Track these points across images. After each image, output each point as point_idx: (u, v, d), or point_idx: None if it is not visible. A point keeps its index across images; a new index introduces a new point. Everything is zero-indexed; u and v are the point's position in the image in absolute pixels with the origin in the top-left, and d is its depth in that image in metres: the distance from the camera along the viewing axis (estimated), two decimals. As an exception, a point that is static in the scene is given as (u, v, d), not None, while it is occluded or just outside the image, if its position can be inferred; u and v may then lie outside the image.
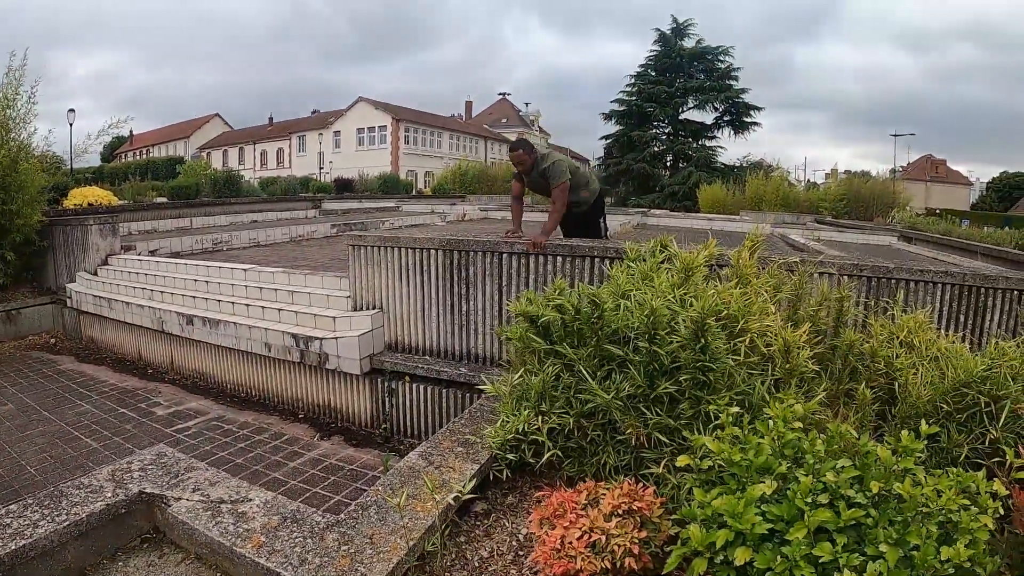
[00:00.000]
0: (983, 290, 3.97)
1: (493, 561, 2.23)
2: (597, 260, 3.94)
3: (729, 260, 3.14)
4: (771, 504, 1.74)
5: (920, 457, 1.83)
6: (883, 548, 1.55)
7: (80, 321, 7.95)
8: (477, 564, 2.21)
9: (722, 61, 27.44)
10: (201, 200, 13.35)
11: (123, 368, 6.83)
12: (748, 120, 27.32)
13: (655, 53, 28.27)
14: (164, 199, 13.84)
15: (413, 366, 4.54)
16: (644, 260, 3.04)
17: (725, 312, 2.51)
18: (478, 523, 2.50)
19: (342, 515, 2.24)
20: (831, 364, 2.87)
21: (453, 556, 2.24)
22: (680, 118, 28.03)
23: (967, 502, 1.65)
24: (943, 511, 1.62)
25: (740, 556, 1.61)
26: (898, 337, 3.03)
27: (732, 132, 27.78)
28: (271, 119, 49.54)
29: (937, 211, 24.47)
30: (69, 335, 8.21)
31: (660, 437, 2.39)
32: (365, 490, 3.93)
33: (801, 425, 2.14)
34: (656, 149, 28.18)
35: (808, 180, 32.66)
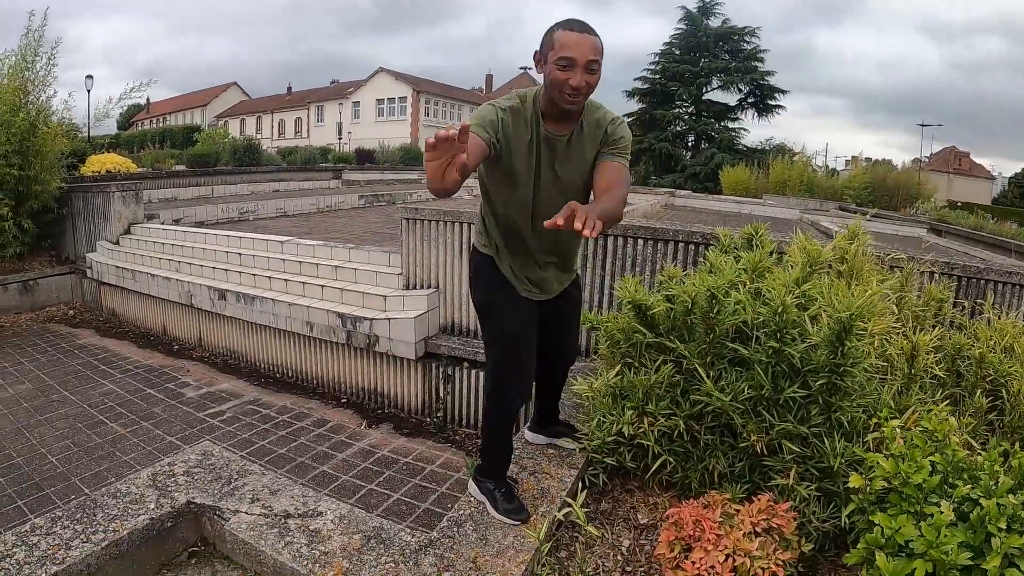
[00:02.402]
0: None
1: (602, 580, 2.02)
2: (682, 244, 3.65)
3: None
4: (954, 529, 1.62)
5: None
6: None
7: (101, 292, 7.73)
8: (588, 585, 1.99)
9: (748, 42, 26.67)
10: (221, 168, 13.01)
11: (147, 343, 6.58)
12: (772, 103, 26.62)
13: (680, 31, 27.47)
14: (183, 167, 13.54)
15: (474, 352, 4.26)
16: (751, 249, 2.77)
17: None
18: (576, 534, 2.28)
19: (434, 532, 2.02)
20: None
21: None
22: (704, 98, 27.33)
23: None
24: None
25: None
26: (1000, 342, 2.89)
27: (756, 114, 27.10)
28: (289, 88, 48.71)
29: (959, 204, 23.91)
30: (88, 307, 7.99)
31: (789, 445, 2.15)
32: (426, 487, 3.69)
33: (957, 440, 1.98)
34: (678, 129, 27.59)
35: (827, 166, 32.04)
